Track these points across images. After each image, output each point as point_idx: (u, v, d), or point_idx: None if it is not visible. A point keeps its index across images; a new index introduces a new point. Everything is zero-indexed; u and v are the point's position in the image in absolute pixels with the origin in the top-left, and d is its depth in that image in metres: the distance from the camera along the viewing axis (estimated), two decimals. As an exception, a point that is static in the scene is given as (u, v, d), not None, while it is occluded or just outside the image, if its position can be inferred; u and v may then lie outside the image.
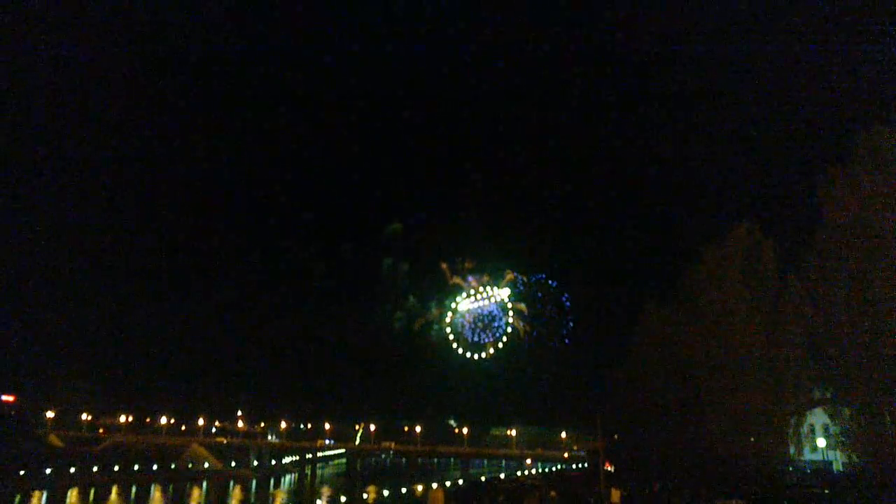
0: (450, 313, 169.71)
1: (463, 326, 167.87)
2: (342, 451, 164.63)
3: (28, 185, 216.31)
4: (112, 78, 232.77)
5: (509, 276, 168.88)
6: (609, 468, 73.48)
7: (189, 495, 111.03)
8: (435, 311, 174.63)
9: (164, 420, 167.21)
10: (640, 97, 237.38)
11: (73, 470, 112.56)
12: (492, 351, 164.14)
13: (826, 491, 47.65)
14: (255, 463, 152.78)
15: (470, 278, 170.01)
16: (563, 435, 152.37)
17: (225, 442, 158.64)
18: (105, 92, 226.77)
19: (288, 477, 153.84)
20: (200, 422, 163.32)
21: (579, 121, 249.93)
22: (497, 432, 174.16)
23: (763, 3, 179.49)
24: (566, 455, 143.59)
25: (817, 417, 62.87)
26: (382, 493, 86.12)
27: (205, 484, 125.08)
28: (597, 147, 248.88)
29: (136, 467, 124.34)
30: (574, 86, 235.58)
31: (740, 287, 59.67)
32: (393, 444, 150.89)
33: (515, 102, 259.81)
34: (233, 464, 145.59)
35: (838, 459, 63.01)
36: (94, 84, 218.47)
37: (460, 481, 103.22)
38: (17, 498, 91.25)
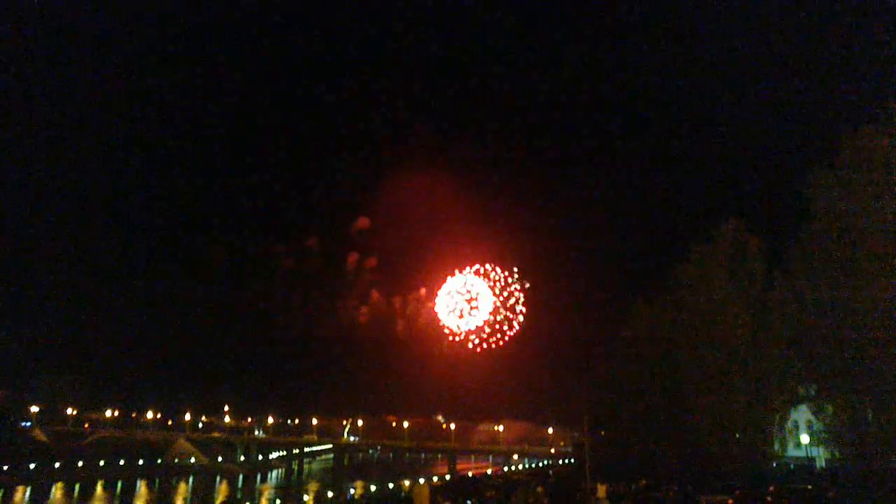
0: (433, 308, 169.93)
1: (446, 319, 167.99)
2: (329, 446, 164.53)
3: (11, 180, 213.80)
4: (90, 77, 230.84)
5: (491, 269, 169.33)
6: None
7: (175, 490, 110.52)
8: (417, 306, 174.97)
9: (150, 415, 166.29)
10: (629, 95, 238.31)
11: (57, 465, 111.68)
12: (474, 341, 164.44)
13: (809, 487, 48.14)
14: (242, 458, 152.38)
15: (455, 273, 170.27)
16: (550, 431, 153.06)
17: (216, 436, 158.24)
18: (84, 89, 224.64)
19: (275, 472, 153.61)
20: (187, 417, 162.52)
21: (568, 119, 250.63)
22: (484, 428, 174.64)
23: (751, 4, 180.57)
24: (553, 451, 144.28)
25: (801, 414, 63.43)
26: (370, 488, 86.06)
27: (191, 479, 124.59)
28: (585, 145, 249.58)
29: (121, 462, 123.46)
30: (564, 85, 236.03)
31: (727, 285, 60.05)
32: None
33: (507, 99, 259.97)
34: (219, 459, 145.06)
35: (821, 456, 63.69)
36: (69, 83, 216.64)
37: (447, 477, 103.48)
38: (1, 493, 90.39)
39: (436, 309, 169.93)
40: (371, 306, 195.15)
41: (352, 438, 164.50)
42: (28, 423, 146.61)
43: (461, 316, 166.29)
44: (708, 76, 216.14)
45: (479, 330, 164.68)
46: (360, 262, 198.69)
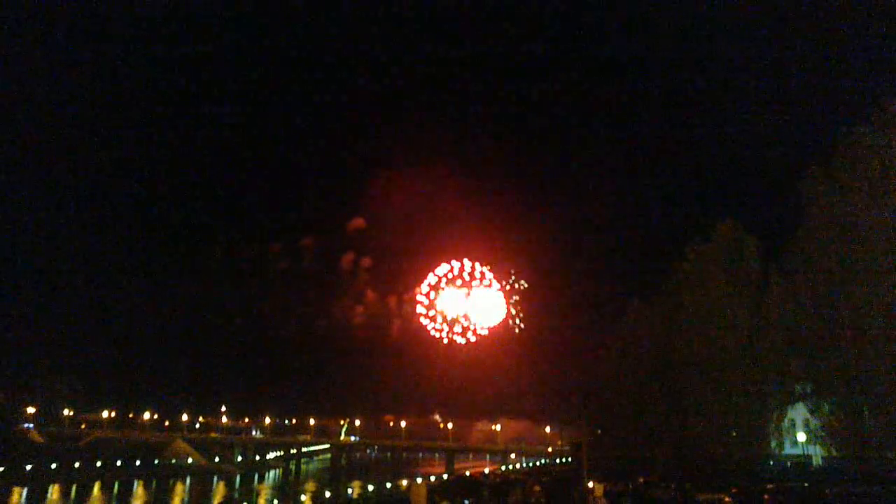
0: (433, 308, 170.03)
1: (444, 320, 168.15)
2: (327, 446, 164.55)
3: (9, 180, 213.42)
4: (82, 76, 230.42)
5: (490, 269, 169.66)
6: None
7: (172, 491, 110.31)
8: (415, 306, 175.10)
9: (147, 416, 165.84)
10: (626, 97, 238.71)
11: (54, 466, 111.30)
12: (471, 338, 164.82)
13: (806, 485, 48.32)
14: (240, 458, 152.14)
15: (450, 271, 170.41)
16: (548, 430, 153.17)
17: (213, 437, 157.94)
18: (77, 88, 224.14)
19: (272, 472, 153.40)
20: (184, 417, 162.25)
21: (565, 120, 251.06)
22: (482, 427, 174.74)
23: (748, 6, 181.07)
24: (550, 449, 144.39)
25: (798, 412, 63.69)
26: (367, 488, 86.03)
27: (188, 480, 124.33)
28: (583, 145, 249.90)
29: (118, 463, 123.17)
30: (561, 84, 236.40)
31: (724, 284, 60.33)
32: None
33: (503, 99, 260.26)
34: (217, 459, 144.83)
35: (818, 454, 63.98)
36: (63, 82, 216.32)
37: (445, 476, 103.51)
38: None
39: (419, 303, 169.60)
40: (367, 306, 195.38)
41: (350, 438, 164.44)
42: (31, 426, 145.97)
43: (463, 330, 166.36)
44: (705, 77, 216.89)
45: (483, 338, 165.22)
46: (356, 262, 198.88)
